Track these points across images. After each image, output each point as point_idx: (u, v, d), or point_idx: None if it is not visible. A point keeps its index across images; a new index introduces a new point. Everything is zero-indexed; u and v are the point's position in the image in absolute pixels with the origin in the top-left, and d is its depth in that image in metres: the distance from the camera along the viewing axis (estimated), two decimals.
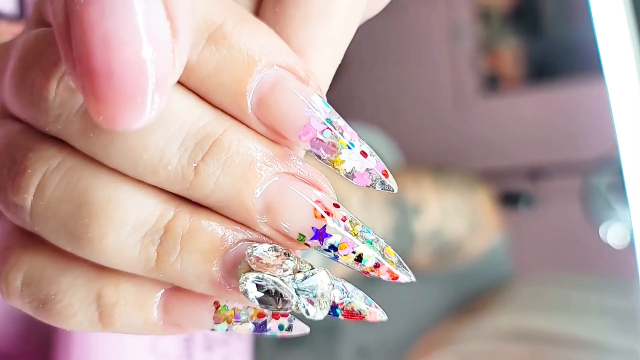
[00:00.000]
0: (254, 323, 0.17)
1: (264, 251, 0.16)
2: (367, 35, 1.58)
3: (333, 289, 0.16)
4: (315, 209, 0.16)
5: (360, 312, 0.17)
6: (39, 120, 0.16)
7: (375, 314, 0.17)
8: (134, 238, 0.16)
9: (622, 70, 0.69)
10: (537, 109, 1.49)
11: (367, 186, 0.17)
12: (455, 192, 0.67)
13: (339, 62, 0.18)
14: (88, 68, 0.12)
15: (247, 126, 0.16)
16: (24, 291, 0.18)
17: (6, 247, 0.18)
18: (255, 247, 0.16)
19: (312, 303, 0.16)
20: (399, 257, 0.17)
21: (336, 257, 0.16)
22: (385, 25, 1.65)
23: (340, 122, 0.16)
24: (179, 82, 0.16)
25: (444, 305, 0.69)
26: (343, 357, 0.60)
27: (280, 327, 0.18)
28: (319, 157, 0.16)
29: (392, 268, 0.17)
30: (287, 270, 0.16)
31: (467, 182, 0.70)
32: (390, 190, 0.17)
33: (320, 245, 0.16)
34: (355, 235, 0.16)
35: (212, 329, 0.18)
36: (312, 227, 0.16)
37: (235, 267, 0.16)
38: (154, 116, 0.13)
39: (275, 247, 0.16)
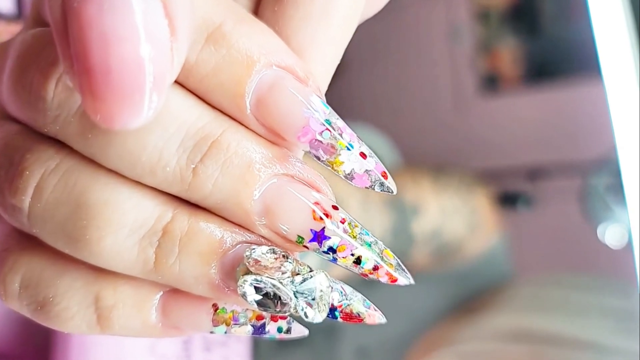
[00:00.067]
0: (252, 325, 0.17)
1: (263, 253, 0.16)
2: (366, 36, 1.58)
3: (332, 291, 0.16)
4: (314, 211, 0.16)
5: (359, 314, 0.17)
6: (37, 120, 0.16)
7: (374, 316, 0.17)
8: (132, 240, 0.16)
9: (620, 71, 0.69)
10: (536, 109, 1.49)
11: (366, 187, 0.17)
12: (454, 192, 0.67)
13: (338, 62, 0.18)
14: (85, 66, 0.12)
15: (246, 127, 0.16)
16: (22, 294, 0.18)
17: (4, 249, 0.18)
18: (253, 249, 0.16)
19: (310, 306, 0.16)
20: (398, 260, 0.17)
21: (335, 260, 0.16)
22: (385, 26, 1.65)
23: (339, 123, 0.16)
24: (178, 83, 0.16)
25: (443, 305, 0.69)
26: (342, 358, 0.60)
27: (279, 330, 0.18)
28: (318, 159, 0.16)
29: (391, 271, 0.17)
30: (285, 272, 0.16)
31: (466, 183, 0.70)
32: (389, 191, 0.17)
33: (319, 247, 0.16)
34: (354, 237, 0.16)
35: (211, 332, 0.18)
36: (311, 229, 0.16)
37: (233, 270, 0.16)
38: (151, 115, 0.13)
39: (273, 249, 0.16)
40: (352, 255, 0.16)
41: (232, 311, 0.17)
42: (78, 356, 0.38)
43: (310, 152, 0.16)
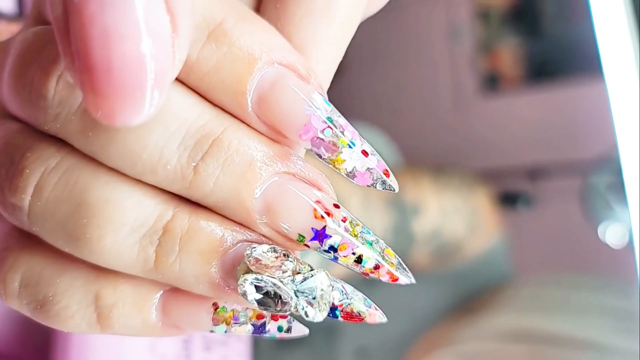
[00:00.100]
0: (253, 324, 0.17)
1: (263, 252, 0.16)
2: (367, 36, 1.58)
3: (332, 290, 0.16)
4: (315, 210, 0.16)
5: (359, 313, 0.17)
6: (38, 118, 0.16)
7: (375, 315, 0.17)
8: (132, 239, 0.16)
9: (621, 70, 0.69)
10: (536, 109, 1.49)
11: (368, 186, 0.16)
12: (454, 192, 0.67)
13: (340, 60, 0.18)
14: (87, 63, 0.12)
15: (247, 125, 0.16)
16: (22, 292, 0.18)
17: (4, 248, 0.18)
18: (254, 248, 0.16)
19: (311, 305, 0.16)
20: (399, 259, 0.17)
21: (336, 259, 0.16)
22: (385, 26, 1.65)
23: (341, 120, 0.16)
24: (179, 80, 0.16)
25: (443, 305, 0.69)
26: (342, 358, 0.60)
27: (280, 329, 0.18)
28: (320, 157, 0.16)
29: (392, 270, 0.17)
30: (286, 271, 0.16)
31: (466, 182, 0.70)
32: (391, 189, 0.17)
33: (320, 246, 0.16)
34: (355, 236, 0.16)
35: (211, 331, 0.18)
36: (312, 228, 0.16)
37: (234, 268, 0.16)
38: (153, 112, 0.13)
39: (274, 248, 0.16)
40: (353, 254, 0.16)
41: (233, 310, 0.17)
42: (78, 356, 0.38)
43: (311, 150, 0.16)
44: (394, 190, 0.17)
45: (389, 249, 0.17)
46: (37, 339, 0.43)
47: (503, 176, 1.48)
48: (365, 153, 0.16)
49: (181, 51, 0.13)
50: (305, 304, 0.16)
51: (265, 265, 0.15)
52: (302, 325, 0.18)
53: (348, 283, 0.17)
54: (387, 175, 0.17)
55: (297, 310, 0.16)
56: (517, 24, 1.57)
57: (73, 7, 0.12)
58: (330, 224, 0.16)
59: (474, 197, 0.69)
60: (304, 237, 0.16)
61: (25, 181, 0.16)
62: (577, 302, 0.65)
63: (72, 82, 0.16)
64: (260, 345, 0.53)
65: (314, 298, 0.16)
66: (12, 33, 0.19)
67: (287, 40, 0.17)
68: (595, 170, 1.23)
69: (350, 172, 0.16)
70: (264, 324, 0.17)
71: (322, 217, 0.16)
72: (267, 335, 0.17)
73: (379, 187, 0.17)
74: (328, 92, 0.18)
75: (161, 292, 0.18)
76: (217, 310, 0.17)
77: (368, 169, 0.16)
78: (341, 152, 0.16)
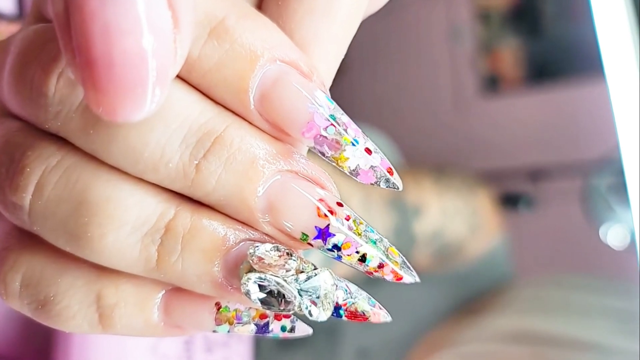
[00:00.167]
0: (256, 324, 0.17)
1: (266, 251, 0.16)
2: (367, 36, 1.58)
3: (336, 289, 0.16)
4: (318, 208, 0.16)
5: (364, 313, 0.16)
6: (39, 117, 0.16)
7: (379, 315, 0.17)
8: (134, 237, 0.16)
9: (623, 71, 0.69)
10: (537, 110, 1.49)
11: (372, 184, 0.16)
12: (455, 193, 0.66)
13: (342, 57, 0.18)
14: (88, 58, 0.12)
15: (250, 123, 0.16)
16: (23, 292, 0.18)
17: (5, 247, 0.18)
18: (257, 246, 0.16)
19: (315, 304, 0.16)
20: (403, 258, 0.17)
21: (339, 257, 0.16)
22: (386, 26, 1.65)
23: (344, 118, 0.16)
24: (180, 78, 0.16)
25: (444, 306, 0.68)
26: (343, 359, 0.60)
27: (283, 329, 0.17)
28: (323, 154, 0.16)
29: (396, 268, 0.16)
30: (289, 270, 0.16)
31: (467, 184, 0.70)
32: (395, 187, 0.17)
33: (323, 244, 0.16)
34: (359, 234, 0.16)
35: (214, 331, 0.17)
36: (315, 226, 0.16)
37: (237, 267, 0.16)
38: (154, 108, 0.13)
39: (277, 246, 0.16)
40: (357, 252, 0.16)
41: (235, 310, 0.17)
42: (79, 357, 0.38)
43: (314, 148, 0.16)
44: (398, 188, 0.17)
45: (393, 247, 0.17)
46: (38, 340, 0.43)
47: (504, 177, 1.48)
48: (368, 151, 0.16)
49: (183, 47, 0.13)
50: (309, 303, 0.16)
51: (268, 264, 0.15)
52: (306, 325, 0.18)
53: (352, 282, 0.17)
54: (390, 173, 0.16)
55: (300, 310, 0.16)
56: (517, 25, 1.57)
57: (74, 3, 0.12)
58: (334, 223, 0.16)
59: (475, 198, 0.69)
60: (307, 235, 0.16)
61: (26, 180, 0.16)
62: (579, 303, 0.65)
63: (73, 79, 0.15)
64: (262, 346, 0.53)
65: (317, 297, 0.16)
66: (12, 33, 0.19)
67: (288, 38, 0.17)
68: (596, 172, 1.23)
69: (353, 170, 0.16)
70: (267, 324, 0.17)
71: (326, 215, 0.16)
72: (270, 335, 0.17)
73: (382, 185, 0.16)
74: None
75: (163, 291, 0.17)
76: (220, 310, 0.17)
77: (371, 166, 0.16)
78: (344, 150, 0.16)
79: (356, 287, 0.17)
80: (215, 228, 0.16)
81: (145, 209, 0.16)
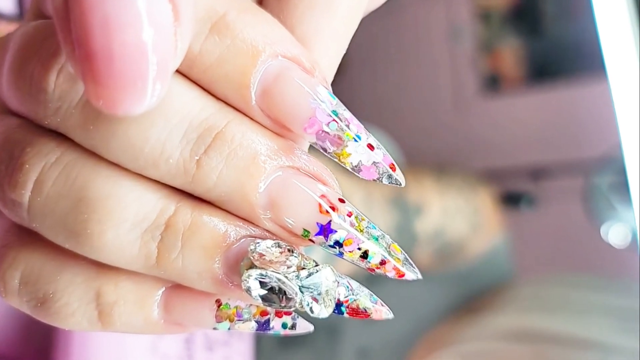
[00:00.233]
0: (256, 321, 0.17)
1: (268, 247, 0.15)
2: (367, 36, 1.58)
3: (338, 286, 0.16)
4: (320, 204, 0.16)
5: (365, 309, 0.16)
6: (38, 113, 0.16)
7: (381, 312, 0.17)
8: (134, 234, 0.16)
9: (624, 69, 0.68)
10: (538, 109, 1.49)
11: (374, 180, 0.16)
12: (457, 192, 0.66)
13: (343, 53, 0.18)
14: (87, 51, 0.12)
15: (251, 119, 0.16)
16: (22, 290, 0.17)
17: (4, 245, 0.18)
18: (258, 243, 0.15)
19: (316, 300, 0.16)
20: (405, 254, 0.17)
21: (341, 254, 0.16)
22: (386, 26, 1.64)
23: (346, 114, 0.16)
24: (181, 74, 0.16)
25: (445, 305, 0.68)
26: (344, 358, 0.60)
27: (284, 326, 0.17)
28: (325, 150, 0.16)
29: (399, 265, 0.16)
30: (291, 267, 0.15)
31: (468, 182, 0.70)
32: (397, 184, 0.16)
33: (325, 241, 0.16)
34: (361, 231, 0.16)
35: (214, 328, 0.17)
36: (317, 223, 0.16)
37: (237, 264, 0.16)
38: (155, 101, 0.13)
39: (278, 243, 0.16)
40: (359, 249, 0.16)
41: (236, 307, 0.17)
42: (79, 356, 0.38)
43: (316, 144, 0.16)
44: (401, 184, 0.16)
45: (395, 244, 0.16)
46: (38, 340, 0.43)
47: (505, 176, 1.48)
48: (370, 147, 0.16)
49: (183, 40, 0.13)
50: (310, 300, 0.15)
51: (269, 260, 0.15)
52: (307, 322, 0.18)
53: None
54: (393, 169, 0.16)
55: (302, 306, 0.16)
56: (518, 24, 1.57)
57: None
58: (336, 219, 0.16)
59: (477, 197, 0.69)
60: (308, 232, 0.16)
61: (25, 176, 0.16)
62: (579, 302, 0.65)
63: (73, 75, 0.15)
64: (263, 345, 0.53)
65: (319, 294, 0.15)
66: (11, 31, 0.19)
67: (289, 33, 0.16)
68: (598, 170, 1.23)
69: (355, 166, 0.16)
70: (268, 321, 0.17)
71: (327, 211, 0.16)
72: (271, 332, 0.17)
73: (385, 181, 0.16)
74: None
75: (163, 288, 0.17)
76: (221, 307, 0.17)
77: (374, 162, 0.16)
78: (346, 146, 0.16)
79: (358, 284, 0.17)
80: (215, 224, 0.16)
81: (145, 205, 0.16)
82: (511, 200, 1.39)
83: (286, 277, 0.15)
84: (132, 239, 0.16)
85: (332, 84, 0.18)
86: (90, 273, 0.17)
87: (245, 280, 0.15)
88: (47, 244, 0.17)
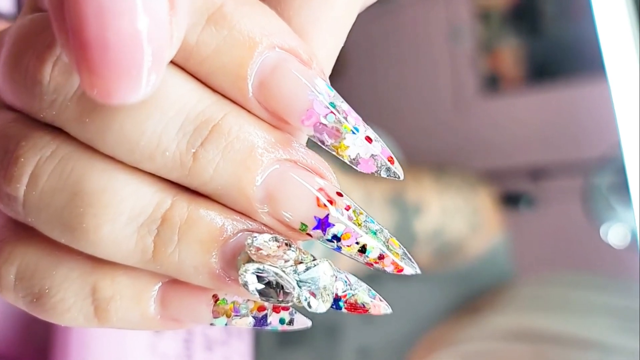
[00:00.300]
0: (254, 317, 0.17)
1: (265, 241, 0.15)
2: (367, 35, 1.58)
3: (336, 280, 0.16)
4: (317, 198, 0.15)
5: (363, 305, 0.16)
6: (33, 106, 0.16)
7: (380, 307, 0.16)
8: (130, 228, 0.15)
9: (623, 69, 0.68)
10: (538, 109, 1.48)
11: (372, 173, 0.16)
12: (456, 192, 0.66)
13: (341, 45, 0.18)
14: (81, 40, 0.12)
15: (248, 111, 0.16)
16: (18, 285, 0.17)
17: None
18: (255, 237, 0.15)
19: (314, 295, 0.15)
20: (404, 249, 0.17)
21: (339, 248, 0.16)
22: (385, 26, 1.64)
23: (344, 106, 0.16)
24: (177, 65, 0.15)
25: (445, 305, 0.68)
26: (343, 358, 0.60)
27: (282, 321, 0.17)
28: (322, 143, 0.16)
29: (397, 260, 0.16)
30: (288, 261, 0.15)
31: (468, 182, 0.70)
32: (396, 177, 0.16)
33: (322, 235, 0.16)
34: (359, 225, 0.16)
35: (211, 324, 0.17)
36: (315, 217, 0.15)
37: (234, 258, 0.16)
38: (150, 91, 0.13)
39: (276, 237, 0.16)
40: (357, 243, 0.16)
41: (233, 302, 0.17)
42: (77, 356, 0.38)
43: (314, 137, 0.16)
44: (399, 177, 0.16)
45: (394, 238, 0.16)
46: (37, 340, 0.43)
47: (505, 176, 1.48)
48: (369, 139, 0.16)
49: (179, 29, 0.13)
50: (308, 295, 0.15)
51: (266, 254, 0.15)
52: (305, 318, 0.17)
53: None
54: (391, 162, 0.16)
55: (299, 301, 0.15)
56: (517, 24, 1.57)
57: None
58: (334, 213, 0.15)
59: (476, 197, 0.69)
60: (306, 225, 0.16)
61: (20, 170, 0.16)
62: (579, 302, 0.65)
63: (68, 67, 0.15)
64: (262, 344, 0.53)
65: (317, 288, 0.15)
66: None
67: (286, 24, 0.16)
68: (597, 171, 1.23)
69: (353, 159, 0.16)
70: (265, 316, 0.17)
71: (325, 205, 0.15)
72: (268, 327, 0.17)
73: (383, 174, 0.16)
74: None
75: (160, 283, 0.17)
76: (218, 302, 0.17)
77: (372, 155, 0.16)
78: (344, 138, 0.16)
79: (356, 278, 0.17)
80: (212, 218, 0.16)
81: (141, 199, 0.16)
82: (511, 200, 1.39)
83: (284, 271, 0.15)
84: (129, 233, 0.16)
85: (332, 85, 0.18)
86: (86, 268, 0.17)
87: (242, 274, 0.15)
88: (43, 239, 0.17)
